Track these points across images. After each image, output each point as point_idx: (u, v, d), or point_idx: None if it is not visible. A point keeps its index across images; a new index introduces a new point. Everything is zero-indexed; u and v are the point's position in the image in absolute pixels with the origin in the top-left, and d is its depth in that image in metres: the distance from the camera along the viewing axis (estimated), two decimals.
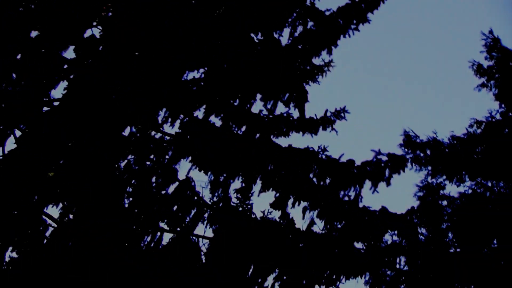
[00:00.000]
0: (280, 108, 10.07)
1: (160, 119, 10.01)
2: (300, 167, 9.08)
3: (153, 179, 9.43)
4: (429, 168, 10.39)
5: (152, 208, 9.01)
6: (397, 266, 9.20)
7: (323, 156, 9.40)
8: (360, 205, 9.57)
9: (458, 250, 9.60)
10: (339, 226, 9.37)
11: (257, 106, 10.13)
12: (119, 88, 9.09)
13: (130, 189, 9.28)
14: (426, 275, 9.09)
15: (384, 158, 9.71)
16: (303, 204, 9.60)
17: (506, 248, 9.55)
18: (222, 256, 8.69)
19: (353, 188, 9.45)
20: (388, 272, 9.28)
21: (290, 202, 9.58)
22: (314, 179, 9.34)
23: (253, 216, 8.92)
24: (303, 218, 9.49)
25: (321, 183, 9.31)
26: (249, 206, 9.10)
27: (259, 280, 8.94)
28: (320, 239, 9.00)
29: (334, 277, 9.20)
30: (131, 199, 9.17)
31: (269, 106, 9.75)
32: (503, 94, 11.25)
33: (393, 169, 9.64)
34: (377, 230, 9.05)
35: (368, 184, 9.53)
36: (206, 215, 9.00)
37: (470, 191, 10.33)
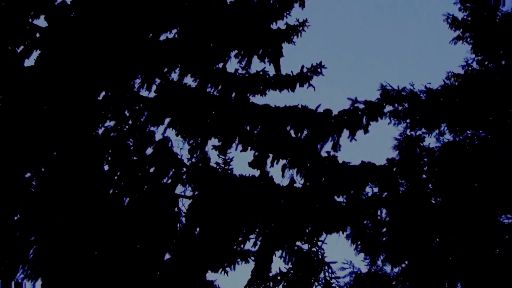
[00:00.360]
0: (256, 67, 10.00)
1: (136, 84, 9.93)
2: (277, 121, 9.02)
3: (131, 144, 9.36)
4: (408, 121, 10.36)
5: (131, 172, 8.94)
6: (378, 218, 9.18)
7: (299, 106, 9.35)
8: (340, 160, 9.54)
9: (438, 199, 9.60)
10: (319, 182, 9.32)
11: (233, 65, 10.07)
12: (88, 54, 8.97)
13: (109, 157, 9.21)
14: (407, 226, 9.09)
15: (361, 106, 9.68)
16: (282, 162, 9.56)
17: (485, 197, 9.57)
18: (202, 215, 8.65)
19: (331, 138, 9.41)
20: (370, 225, 9.27)
21: (269, 160, 9.54)
22: (292, 131, 9.28)
23: (232, 174, 8.85)
24: (283, 176, 9.46)
25: (299, 134, 9.25)
26: (227, 166, 9.04)
27: (240, 238, 8.91)
28: (300, 194, 8.94)
29: (315, 232, 9.18)
30: (109, 165, 9.10)
31: (243, 63, 9.65)
32: (480, 45, 11.21)
33: (370, 117, 9.62)
34: (357, 184, 9.02)
35: (346, 133, 9.52)
36: (184, 176, 8.93)
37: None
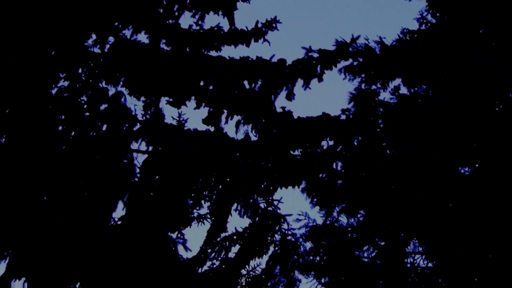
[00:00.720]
0: (210, 22, 9.89)
1: (89, 43, 9.79)
2: (231, 72, 8.95)
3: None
4: (363, 75, 10.36)
5: (85, 130, 8.83)
6: (334, 171, 9.21)
7: (254, 58, 9.31)
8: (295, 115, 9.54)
9: (394, 152, 9.67)
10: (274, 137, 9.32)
11: (187, 21, 9.95)
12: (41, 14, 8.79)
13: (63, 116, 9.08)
14: (362, 177, 9.15)
15: (316, 55, 9.68)
16: (237, 118, 9.54)
17: (438, 151, 9.65)
18: (157, 169, 8.60)
19: (285, 88, 9.41)
20: (325, 178, 9.31)
21: (223, 117, 9.50)
22: (245, 82, 9.24)
23: (185, 129, 8.79)
24: (236, 132, 9.44)
25: (253, 85, 9.21)
26: (181, 120, 8.97)
27: (194, 195, 8.89)
28: (256, 148, 8.93)
29: (271, 187, 9.20)
30: (64, 125, 8.97)
31: (197, 18, 9.54)
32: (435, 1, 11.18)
33: (324, 65, 9.63)
34: (312, 137, 9.03)
35: (300, 82, 9.52)
36: (139, 131, 8.85)
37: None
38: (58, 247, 7.74)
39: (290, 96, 9.45)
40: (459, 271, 8.23)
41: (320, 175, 9.29)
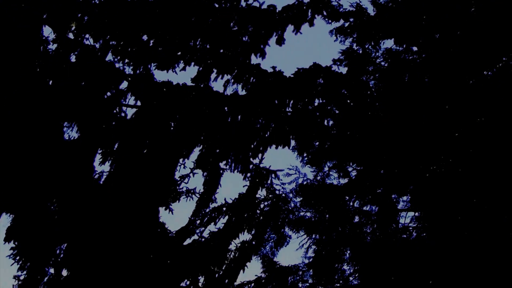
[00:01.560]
0: None
1: None
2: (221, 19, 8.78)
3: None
4: (355, 35, 10.23)
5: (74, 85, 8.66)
6: (325, 128, 9.08)
7: (244, 5, 9.16)
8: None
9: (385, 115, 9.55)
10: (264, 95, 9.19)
11: None
12: None
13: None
14: (352, 137, 9.05)
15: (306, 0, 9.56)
16: (226, 77, 9.40)
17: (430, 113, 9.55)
18: (148, 125, 8.47)
19: (275, 33, 9.28)
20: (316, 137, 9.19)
21: (213, 75, 9.37)
22: (235, 28, 9.08)
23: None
24: (225, 91, 9.31)
25: (242, 31, 9.06)
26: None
27: (185, 152, 8.77)
28: (245, 105, 8.81)
29: (260, 147, 9.08)
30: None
31: None
32: None
33: (315, 10, 9.50)
34: (304, 92, 8.90)
35: (291, 28, 9.39)
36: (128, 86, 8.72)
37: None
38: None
39: (280, 41, 9.31)
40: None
41: (311, 134, 9.14)
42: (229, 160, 8.65)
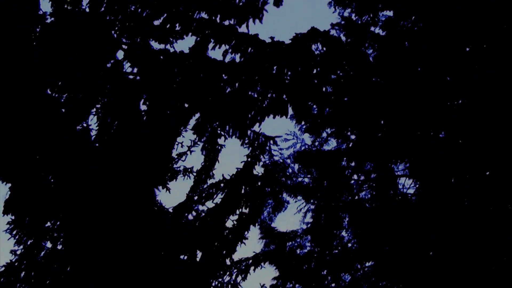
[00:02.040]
0: None
1: None
2: None
3: None
4: (353, 6, 10.21)
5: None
6: (323, 95, 9.08)
7: None
8: None
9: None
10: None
11: None
12: None
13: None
14: (352, 103, 9.05)
15: None
16: (224, 47, 9.42)
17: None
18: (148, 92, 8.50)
19: None
20: (314, 106, 9.21)
21: (210, 45, 9.38)
22: None
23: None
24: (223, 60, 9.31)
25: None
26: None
27: (182, 123, 8.79)
28: (242, 72, 8.82)
29: (258, 117, 9.08)
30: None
31: None
32: None
33: None
34: (302, 59, 8.90)
35: None
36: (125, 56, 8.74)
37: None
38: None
39: (278, 3, 9.28)
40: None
41: (309, 103, 9.15)
42: (227, 127, 8.65)
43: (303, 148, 9.16)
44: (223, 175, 9.03)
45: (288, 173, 8.99)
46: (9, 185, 8.06)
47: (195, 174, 8.98)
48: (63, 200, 7.87)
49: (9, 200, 8.03)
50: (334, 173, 8.83)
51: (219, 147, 9.11)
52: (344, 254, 8.65)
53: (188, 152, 8.95)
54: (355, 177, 8.96)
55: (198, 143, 9.05)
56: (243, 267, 9.24)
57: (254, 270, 9.31)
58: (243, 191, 8.93)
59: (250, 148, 8.70)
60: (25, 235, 8.10)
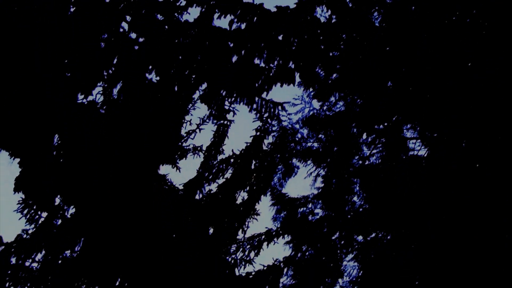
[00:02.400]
0: None
1: None
2: None
3: None
4: None
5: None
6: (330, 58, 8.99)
7: None
8: None
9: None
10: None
11: None
12: None
13: None
14: (360, 68, 8.98)
15: None
16: (230, 17, 9.38)
17: None
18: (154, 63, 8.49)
19: None
20: (321, 72, 9.14)
21: (215, 16, 9.35)
22: None
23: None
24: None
25: None
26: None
27: (189, 98, 8.77)
28: (248, 40, 8.77)
29: (266, 86, 9.05)
30: None
31: None
32: None
33: None
34: (308, 25, 8.83)
35: None
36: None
37: None
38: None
39: None
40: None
41: (317, 69, 9.10)
42: (234, 94, 8.62)
43: (311, 112, 9.10)
44: (232, 150, 9.03)
45: (297, 139, 8.95)
46: (18, 160, 8.08)
47: (204, 151, 8.95)
48: (70, 177, 7.87)
49: (19, 177, 8.06)
50: (343, 137, 8.77)
51: (228, 122, 9.09)
52: (356, 219, 8.60)
53: (197, 130, 8.93)
54: (365, 140, 8.90)
55: (207, 120, 9.04)
56: (256, 243, 9.24)
57: (267, 245, 9.31)
58: (253, 166, 8.93)
59: (258, 115, 8.64)
60: (35, 213, 8.13)
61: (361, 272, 8.03)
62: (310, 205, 8.98)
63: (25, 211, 8.14)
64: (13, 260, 7.84)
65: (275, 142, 8.67)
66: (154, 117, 8.33)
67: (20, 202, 8.09)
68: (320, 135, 8.91)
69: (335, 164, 8.72)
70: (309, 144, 9.01)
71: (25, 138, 7.78)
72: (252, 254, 9.15)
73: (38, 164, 7.93)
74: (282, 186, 9.14)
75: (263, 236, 9.26)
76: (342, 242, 8.33)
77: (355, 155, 8.76)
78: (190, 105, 8.80)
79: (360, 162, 8.77)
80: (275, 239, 9.31)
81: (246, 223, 8.93)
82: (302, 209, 8.98)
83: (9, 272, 7.89)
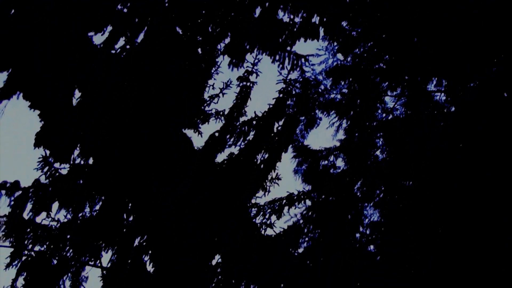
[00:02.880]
0: None
1: None
2: None
3: None
4: None
5: None
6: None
7: None
8: None
9: None
10: None
11: None
12: None
13: None
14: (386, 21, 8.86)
15: None
16: None
17: None
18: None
19: None
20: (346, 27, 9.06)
21: None
22: None
23: None
24: None
25: None
26: None
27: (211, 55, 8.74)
28: None
29: (289, 41, 8.94)
30: None
31: None
32: None
33: None
34: None
35: None
36: None
37: None
38: None
39: None
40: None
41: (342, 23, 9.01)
42: (257, 46, 8.57)
43: (335, 63, 9.03)
44: (255, 112, 8.96)
45: (320, 90, 8.89)
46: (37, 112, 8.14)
47: (226, 114, 8.92)
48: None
49: (40, 132, 8.13)
50: (367, 88, 8.68)
51: (251, 84, 9.03)
52: (379, 172, 8.53)
53: (221, 95, 8.90)
54: (389, 93, 8.82)
55: (231, 85, 8.98)
56: (277, 207, 9.21)
57: (288, 210, 9.25)
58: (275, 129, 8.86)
59: (281, 66, 8.58)
60: (56, 171, 8.20)
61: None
62: (332, 158, 8.94)
63: (45, 169, 8.22)
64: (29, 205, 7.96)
65: (298, 94, 8.60)
66: (177, 79, 8.31)
67: (40, 160, 8.15)
68: (343, 87, 8.84)
69: (358, 117, 8.64)
70: (332, 95, 8.95)
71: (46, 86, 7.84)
72: (273, 218, 9.11)
73: (59, 117, 7.98)
74: (304, 137, 9.10)
75: (284, 201, 9.22)
76: (364, 191, 8.27)
77: (378, 108, 8.69)
78: (214, 69, 8.74)
79: (384, 115, 8.69)
80: (296, 203, 9.27)
81: (267, 183, 8.87)
82: (323, 161, 8.94)
83: (28, 230, 8.00)
